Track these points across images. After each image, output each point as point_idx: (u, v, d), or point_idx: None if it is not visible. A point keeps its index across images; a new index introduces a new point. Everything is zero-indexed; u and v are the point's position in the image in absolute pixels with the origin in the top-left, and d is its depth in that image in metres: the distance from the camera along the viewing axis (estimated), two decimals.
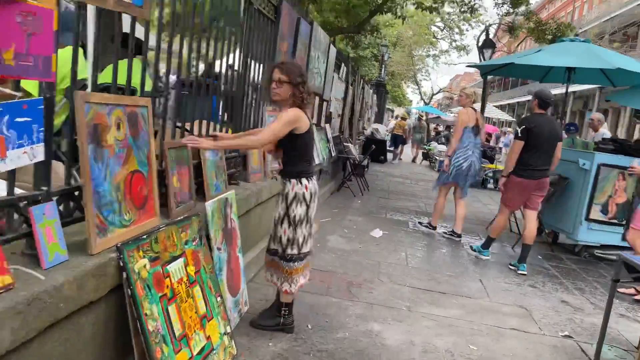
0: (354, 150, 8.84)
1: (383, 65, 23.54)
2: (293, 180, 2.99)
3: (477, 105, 6.30)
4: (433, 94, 42.65)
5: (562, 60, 5.82)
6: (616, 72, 6.49)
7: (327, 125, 7.90)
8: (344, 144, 8.75)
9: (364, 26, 12.44)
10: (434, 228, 6.48)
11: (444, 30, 42.15)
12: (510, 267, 5.15)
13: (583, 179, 5.81)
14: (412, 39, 36.72)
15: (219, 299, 2.66)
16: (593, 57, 5.74)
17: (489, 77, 26.57)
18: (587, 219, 5.84)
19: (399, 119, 18.80)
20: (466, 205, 6.34)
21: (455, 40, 43.16)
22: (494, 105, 33.95)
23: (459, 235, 6.15)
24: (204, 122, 3.33)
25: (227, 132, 3.78)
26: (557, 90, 26.16)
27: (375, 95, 19.91)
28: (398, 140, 17.39)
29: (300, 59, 5.29)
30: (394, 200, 8.61)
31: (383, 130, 15.64)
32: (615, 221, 5.89)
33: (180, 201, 2.67)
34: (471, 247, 5.67)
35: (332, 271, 4.37)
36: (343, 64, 8.73)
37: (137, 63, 2.37)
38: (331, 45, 7.13)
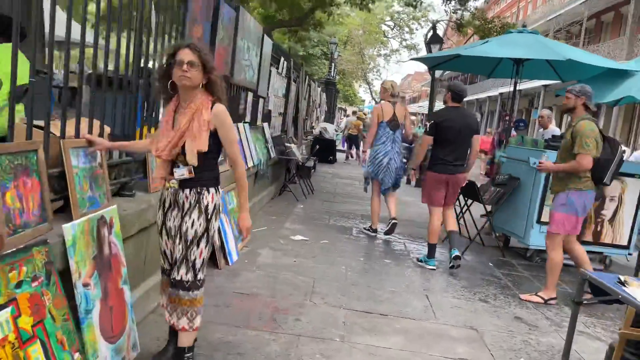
0: (297, 151, 8.26)
1: (333, 64, 23.08)
2: (212, 190, 2.46)
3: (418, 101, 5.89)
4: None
5: (511, 51, 5.44)
6: (565, 66, 6.20)
7: (266, 124, 7.26)
8: (286, 144, 8.14)
9: (306, 20, 11.89)
10: (375, 231, 6.11)
11: (394, 29, 42.46)
12: (419, 262, 5.05)
13: (534, 178, 5.44)
14: (362, 37, 36.55)
15: (76, 355, 1.99)
16: (542, 48, 5.38)
17: (441, 78, 26.68)
18: (539, 221, 5.48)
19: (355, 117, 18.03)
20: (398, 200, 6.19)
21: (405, 40, 43.47)
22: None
23: (394, 218, 5.93)
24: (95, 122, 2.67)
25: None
26: (504, 88, 26.64)
27: (324, 93, 19.41)
28: (353, 140, 16.75)
29: (223, 49, 4.63)
30: (340, 204, 8.07)
31: (332, 130, 15.14)
32: None
33: (21, 225, 1.98)
34: (417, 258, 5.20)
35: (256, 294, 3.74)
36: (283, 59, 8.12)
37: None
38: (265, 37, 6.50)
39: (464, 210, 6.26)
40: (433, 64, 7.12)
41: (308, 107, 13.62)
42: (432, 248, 5.01)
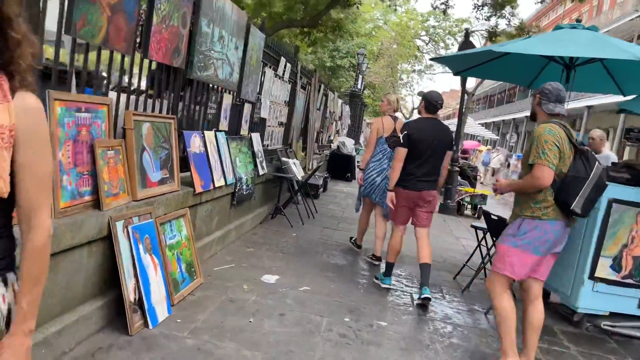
0: (296, 167, 7.05)
1: (360, 75, 21.87)
2: (12, 276, 1.29)
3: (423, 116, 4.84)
4: (414, 109, 41.31)
5: (560, 49, 4.09)
6: (628, 74, 4.80)
7: (255, 135, 6.08)
8: (282, 159, 6.93)
9: (320, 19, 10.66)
10: (359, 247, 5.91)
11: (429, 44, 41.10)
12: (375, 280, 4.72)
13: (587, 220, 4.06)
14: (394, 49, 35.33)
15: None
16: (604, 45, 4.02)
17: (474, 93, 25.11)
18: (592, 277, 4.10)
19: None
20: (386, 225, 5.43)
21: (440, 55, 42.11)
22: (479, 123, 32.56)
23: (378, 259, 5.42)
24: None
25: None
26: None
27: (348, 106, 18.20)
28: None
29: (167, 31, 3.47)
30: (342, 232, 6.79)
31: (351, 145, 13.88)
32: (631, 281, 4.16)
33: None
34: (375, 276, 4.82)
35: None
36: (284, 60, 6.95)
37: None
38: (254, 28, 5.34)
39: (491, 254, 4.90)
40: (458, 67, 5.80)
41: (324, 119, 12.44)
42: (389, 267, 4.66)
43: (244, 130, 5.72)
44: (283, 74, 7.06)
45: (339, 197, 10.19)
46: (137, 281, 2.98)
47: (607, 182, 3.16)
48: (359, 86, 21.35)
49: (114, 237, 2.83)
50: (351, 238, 6.08)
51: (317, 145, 11.85)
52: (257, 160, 6.01)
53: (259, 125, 6.41)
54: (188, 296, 3.63)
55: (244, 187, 5.40)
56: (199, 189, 4.11)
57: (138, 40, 3.22)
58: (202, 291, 3.79)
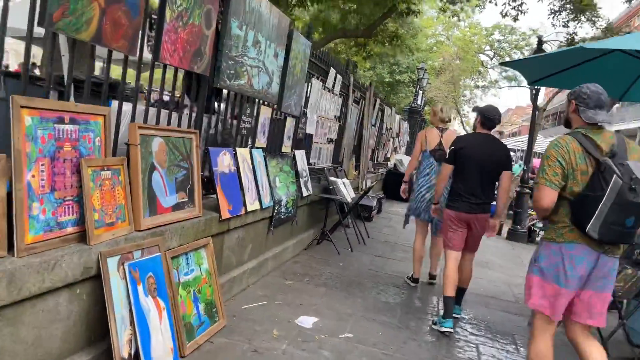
0: (345, 187, 6.41)
1: (420, 90, 21.00)
2: None
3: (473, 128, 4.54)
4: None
5: None
6: None
7: (300, 153, 5.51)
8: (330, 179, 6.31)
9: (375, 30, 9.96)
10: (416, 281, 5.13)
11: (494, 58, 39.47)
12: (433, 326, 4.04)
13: None
14: (456, 64, 34.11)
15: None
16: None
17: (545, 108, 23.44)
18: None
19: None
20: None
21: (506, 70, 40.33)
22: (550, 141, 30.40)
23: (433, 277, 5.17)
24: None
25: None
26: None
27: (406, 122, 17.40)
28: None
29: (185, 30, 2.97)
30: (396, 262, 6.05)
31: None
32: None
33: None
34: (432, 321, 4.14)
35: None
36: (334, 71, 6.37)
37: None
38: (297, 34, 4.80)
39: None
40: (533, 75, 4.97)
41: (380, 136, 11.76)
42: (447, 303, 4.00)
43: (287, 147, 5.16)
44: (333, 87, 6.48)
45: (395, 220, 9.41)
46: (134, 331, 2.42)
47: (634, 200, 2.44)
48: (418, 102, 20.48)
49: (104, 278, 2.29)
50: (406, 277, 5.27)
51: (372, 164, 11.17)
52: (300, 180, 5.42)
53: (304, 141, 5.84)
54: (205, 344, 3.05)
55: (283, 210, 4.81)
56: (225, 215, 3.55)
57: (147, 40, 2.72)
58: (223, 336, 3.20)
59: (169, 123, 3.16)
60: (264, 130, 4.48)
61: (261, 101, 4.33)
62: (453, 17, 14.32)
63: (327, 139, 6.82)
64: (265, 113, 4.44)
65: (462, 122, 38.71)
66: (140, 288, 2.50)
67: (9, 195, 1.90)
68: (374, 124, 10.16)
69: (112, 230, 2.43)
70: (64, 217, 2.18)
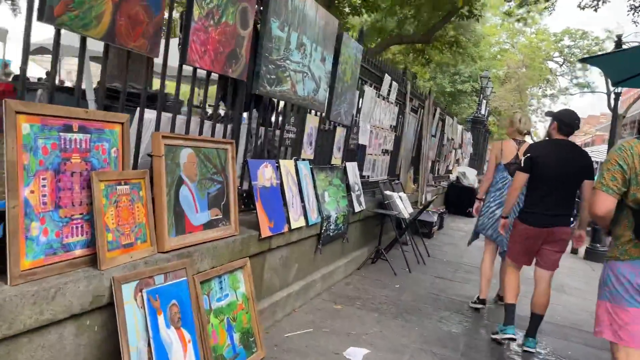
0: (402, 202, 5.95)
1: (484, 100, 20.07)
2: None
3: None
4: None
5: None
6: None
7: (351, 165, 5.15)
8: (385, 192, 5.87)
9: (434, 35, 9.39)
10: (482, 302, 4.68)
11: (563, 65, 37.45)
12: (493, 336, 3.90)
13: None
14: (522, 72, 32.60)
15: None
16: None
17: (624, 115, 21.70)
18: None
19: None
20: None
21: (577, 77, 38.13)
22: None
23: (502, 299, 4.53)
24: None
25: None
26: None
27: (469, 133, 16.60)
28: None
29: (217, 30, 2.69)
30: (461, 284, 5.51)
31: (472, 175, 12.34)
32: None
33: None
34: (492, 332, 3.98)
35: None
36: (389, 77, 5.98)
37: None
38: (346, 38, 4.47)
39: None
40: (619, 74, 4.33)
41: (441, 147, 11.17)
42: (508, 309, 3.90)
43: (337, 159, 4.81)
44: (388, 95, 6.08)
45: (457, 237, 8.79)
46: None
47: None
48: (482, 111, 19.57)
49: (117, 307, 2.02)
50: (471, 302, 4.78)
51: (432, 176, 10.60)
52: (352, 194, 5.05)
53: (356, 153, 5.47)
54: None
55: (333, 226, 4.44)
56: (266, 233, 3.23)
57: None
58: None
59: (201, 132, 2.89)
60: (311, 140, 4.15)
61: (307, 109, 4.01)
62: (519, 21, 13.55)
63: (382, 150, 6.41)
64: (312, 122, 4.11)
65: (529, 132, 36.90)
66: (160, 318, 2.20)
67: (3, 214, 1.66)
68: (434, 135, 9.62)
69: (130, 253, 2.16)
70: (71, 239, 1.92)
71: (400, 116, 6.99)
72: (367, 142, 5.63)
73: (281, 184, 3.58)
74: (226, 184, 2.93)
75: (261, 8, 3.06)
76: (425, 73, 16.95)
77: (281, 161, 3.63)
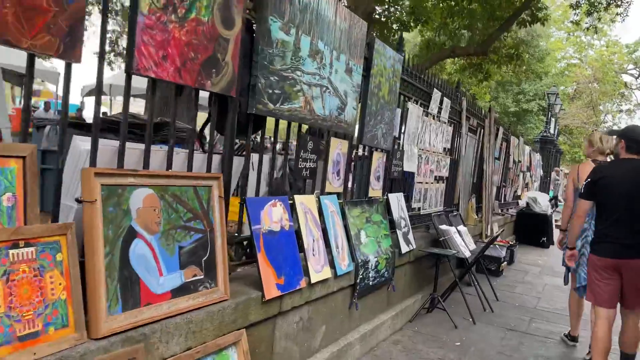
0: (461, 237, 5.01)
1: (552, 118, 18.50)
2: None
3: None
4: None
5: None
6: None
7: (396, 197, 4.32)
8: (440, 227, 4.95)
9: (492, 46, 8.35)
10: (574, 339, 4.34)
11: (639, 78, 34.69)
12: None
13: None
14: (594, 87, 30.34)
15: None
16: None
17: None
18: None
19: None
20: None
21: None
22: None
23: (573, 339, 4.29)
24: None
25: None
26: None
27: (538, 154, 15.19)
28: None
29: (191, 29, 2.02)
30: (539, 339, 4.45)
31: (545, 201, 11.02)
32: None
33: None
34: None
35: None
36: (440, 94, 5.15)
37: None
38: (380, 44, 3.71)
39: None
40: None
41: (507, 171, 10.03)
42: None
43: (375, 191, 4.00)
44: (439, 113, 5.24)
45: (532, 273, 7.60)
46: None
47: None
48: (551, 130, 18.01)
49: None
50: (563, 334, 4.51)
51: (498, 204, 9.46)
52: (398, 232, 4.20)
53: (403, 182, 4.64)
54: None
55: (372, 273, 3.61)
56: (271, 293, 2.47)
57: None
58: None
59: (170, 166, 2.19)
60: (338, 169, 3.38)
61: (331, 131, 3.26)
62: (588, 30, 12.25)
63: (436, 177, 5.52)
64: (338, 147, 3.35)
65: (612, 152, 34.12)
66: None
67: None
68: (497, 157, 8.57)
69: (33, 347, 1.46)
70: None
71: (456, 137, 6.09)
72: (414, 169, 4.78)
73: (298, 226, 2.83)
74: (211, 232, 2.21)
75: (253, 2, 2.38)
76: (485, 94, 15.84)
77: (296, 197, 2.89)
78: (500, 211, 9.48)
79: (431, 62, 8.31)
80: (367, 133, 3.65)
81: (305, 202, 2.97)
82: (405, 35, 9.90)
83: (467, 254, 4.90)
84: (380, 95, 3.78)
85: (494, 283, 6.40)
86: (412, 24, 7.94)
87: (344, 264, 3.22)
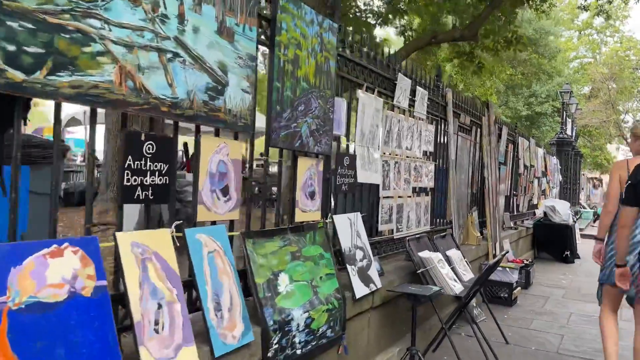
0: (448, 268, 3.76)
1: (568, 118, 17.09)
2: None
3: None
4: None
5: None
6: None
7: (345, 219, 3.12)
8: (419, 255, 3.70)
9: (483, 28, 6.96)
10: None
11: None
12: None
13: None
14: (611, 86, 28.73)
15: None
16: None
17: None
18: None
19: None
20: None
21: None
22: None
23: None
24: None
25: None
26: None
27: (554, 158, 13.80)
28: None
29: None
30: None
31: (565, 210, 9.64)
32: None
33: None
34: None
35: None
36: (408, 81, 3.97)
37: None
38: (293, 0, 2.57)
39: None
40: None
41: (519, 177, 8.74)
42: None
43: (308, 213, 2.81)
44: (413, 107, 4.05)
45: (553, 299, 6.23)
46: None
47: None
48: (568, 132, 16.59)
49: None
50: None
51: (510, 215, 8.15)
52: (350, 268, 2.99)
53: (360, 198, 3.44)
54: None
55: (300, 337, 2.40)
56: None
57: None
58: None
59: None
60: (225, 185, 2.20)
61: (201, 126, 2.10)
62: (599, 15, 11.07)
63: (415, 188, 4.31)
64: (220, 151, 2.18)
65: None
66: None
67: None
68: (502, 162, 7.31)
69: None
70: None
71: (443, 138, 4.89)
72: (377, 180, 3.58)
73: (124, 289, 1.66)
74: None
75: None
76: (491, 95, 14.52)
77: (120, 235, 1.71)
78: (512, 224, 8.16)
79: (407, 51, 7.06)
80: (280, 130, 2.49)
81: (145, 242, 1.79)
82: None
83: (457, 289, 3.64)
84: (300, 76, 2.62)
85: (504, 316, 5.13)
86: (390, 16, 6.81)
87: (232, 334, 2.03)
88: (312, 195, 2.84)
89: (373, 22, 7.13)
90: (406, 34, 7.62)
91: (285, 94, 2.51)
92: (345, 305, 2.82)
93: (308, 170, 2.79)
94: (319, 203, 2.90)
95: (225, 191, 2.20)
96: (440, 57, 11.67)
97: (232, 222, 2.29)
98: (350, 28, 6.71)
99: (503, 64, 13.48)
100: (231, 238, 2.25)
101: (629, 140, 3.82)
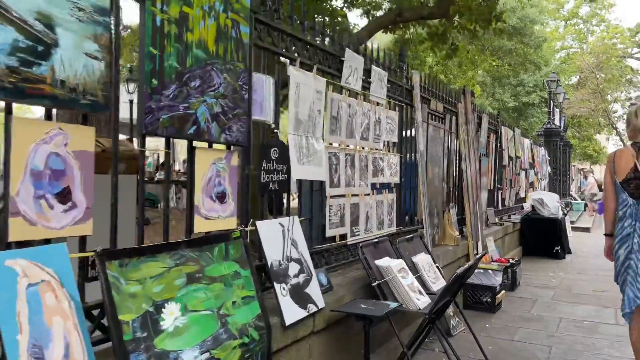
0: (411, 278, 3.16)
1: (555, 108, 16.58)
2: None
3: None
4: None
5: None
6: None
7: (276, 223, 2.50)
8: (375, 263, 3.09)
9: (456, 5, 6.29)
10: None
11: None
12: None
13: None
14: (599, 76, 28.34)
15: None
16: None
17: None
18: None
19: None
20: None
21: None
22: None
23: None
24: None
25: None
26: None
27: (542, 148, 13.28)
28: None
29: None
30: None
31: (553, 203, 9.08)
32: None
33: None
34: None
35: None
36: (357, 57, 3.36)
37: None
38: None
39: None
40: None
41: (503, 169, 8.17)
42: None
43: (213, 220, 2.19)
44: (368, 89, 3.44)
45: (542, 302, 5.64)
46: None
47: None
48: (556, 122, 16.08)
49: None
50: None
51: (494, 211, 7.58)
52: (279, 287, 2.37)
53: (294, 197, 2.83)
54: None
55: None
56: None
57: None
58: None
59: None
60: (60, 187, 1.57)
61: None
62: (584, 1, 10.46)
63: (374, 184, 3.69)
64: (52, 139, 1.54)
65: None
66: None
67: None
68: (484, 153, 6.73)
69: None
70: None
71: (409, 127, 4.28)
72: (322, 176, 2.96)
73: None
74: None
75: None
76: (474, 85, 13.96)
77: None
78: (497, 220, 7.59)
79: (369, 30, 6.39)
80: (161, 112, 1.86)
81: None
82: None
83: (421, 303, 3.02)
84: (192, 42, 1.99)
85: (486, 325, 4.56)
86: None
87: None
88: (221, 198, 2.21)
89: (339, 6, 6.52)
90: (370, 14, 6.99)
91: (167, 63, 1.88)
92: (270, 336, 2.21)
93: (213, 165, 2.17)
94: (233, 207, 2.28)
95: (63, 196, 1.56)
96: (421, 48, 11.09)
97: (83, 238, 1.66)
98: (318, 16, 6.10)
99: (486, 53, 12.91)
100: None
101: (627, 124, 3.57)
